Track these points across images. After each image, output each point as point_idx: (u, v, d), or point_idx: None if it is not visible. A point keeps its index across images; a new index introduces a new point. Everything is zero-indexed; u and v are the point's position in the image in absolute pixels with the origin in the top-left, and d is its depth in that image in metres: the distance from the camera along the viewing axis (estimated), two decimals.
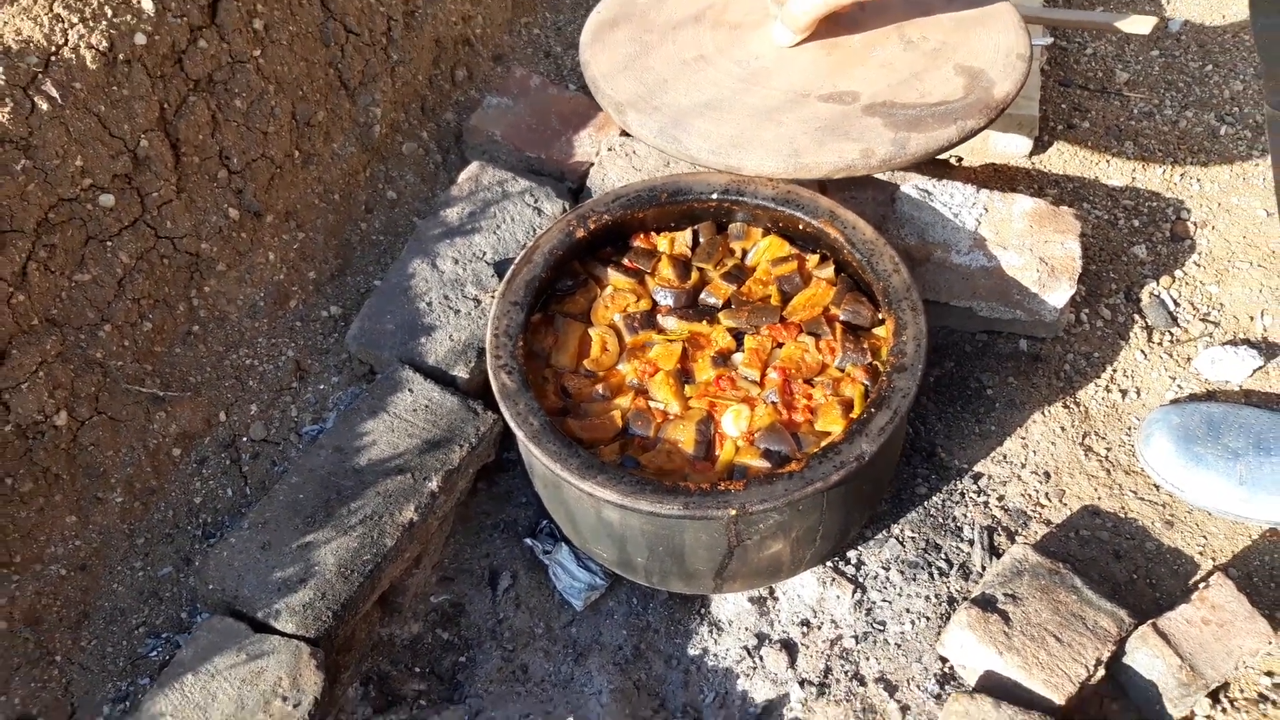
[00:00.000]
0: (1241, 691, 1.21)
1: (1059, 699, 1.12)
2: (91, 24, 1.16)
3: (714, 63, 1.39)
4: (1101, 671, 1.16)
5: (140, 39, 1.20)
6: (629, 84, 1.37)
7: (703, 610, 1.30)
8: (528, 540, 1.33)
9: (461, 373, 1.31)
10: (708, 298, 1.34)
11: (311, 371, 1.39)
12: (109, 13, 1.18)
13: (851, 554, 1.33)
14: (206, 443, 1.31)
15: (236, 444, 1.32)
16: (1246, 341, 1.52)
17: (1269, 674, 1.22)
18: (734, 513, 1.09)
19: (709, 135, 1.30)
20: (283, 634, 1.07)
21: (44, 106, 1.12)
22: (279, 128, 1.39)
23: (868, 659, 1.24)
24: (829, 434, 1.19)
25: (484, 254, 1.41)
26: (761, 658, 1.25)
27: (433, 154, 1.64)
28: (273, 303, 1.40)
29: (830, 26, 1.36)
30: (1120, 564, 1.31)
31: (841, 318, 1.30)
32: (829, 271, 1.36)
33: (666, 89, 1.36)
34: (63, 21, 1.15)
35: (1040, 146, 1.81)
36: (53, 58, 1.13)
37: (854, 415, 1.21)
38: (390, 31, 1.56)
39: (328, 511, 1.16)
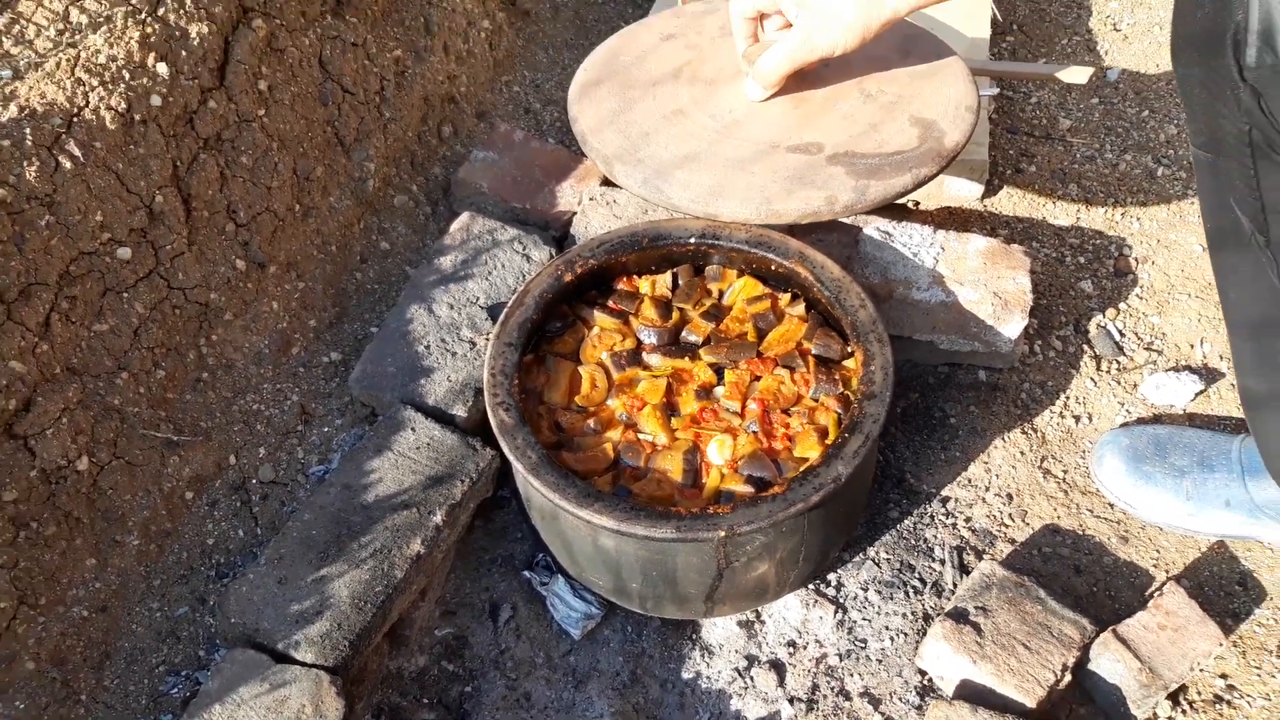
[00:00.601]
0: (1199, 694, 1.30)
1: (1030, 702, 1.20)
2: (111, 87, 1.23)
3: (691, 116, 1.49)
4: (1069, 677, 1.24)
5: (156, 100, 1.27)
6: (615, 138, 1.47)
7: (694, 635, 1.36)
8: (525, 573, 1.39)
9: (460, 411, 1.38)
10: (689, 335, 1.42)
11: (316, 415, 1.45)
12: (127, 76, 1.25)
13: (831, 576, 1.40)
14: (218, 485, 1.37)
15: (246, 486, 1.37)
16: (1188, 368, 1.63)
17: (1223, 676, 1.31)
18: (723, 534, 1.16)
19: (689, 185, 1.40)
20: (303, 664, 1.13)
21: (67, 165, 1.19)
22: (282, 183, 1.46)
23: (852, 675, 1.31)
24: (807, 459, 1.28)
25: (477, 299, 1.49)
26: (752, 678, 1.32)
27: (422, 206, 1.72)
28: (277, 350, 1.47)
29: (796, 82, 1.46)
30: (1081, 578, 1.41)
31: (814, 351, 1.39)
32: (800, 309, 1.45)
33: (649, 142, 1.46)
34: (84, 85, 1.22)
35: (991, 190, 1.94)
36: (75, 119, 1.20)
37: (829, 441, 1.29)
38: (383, 91, 1.64)
39: (339, 546, 1.22)
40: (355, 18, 1.63)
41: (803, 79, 1.47)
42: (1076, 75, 1.62)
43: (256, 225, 1.44)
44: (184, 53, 1.32)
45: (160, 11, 1.31)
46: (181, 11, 1.32)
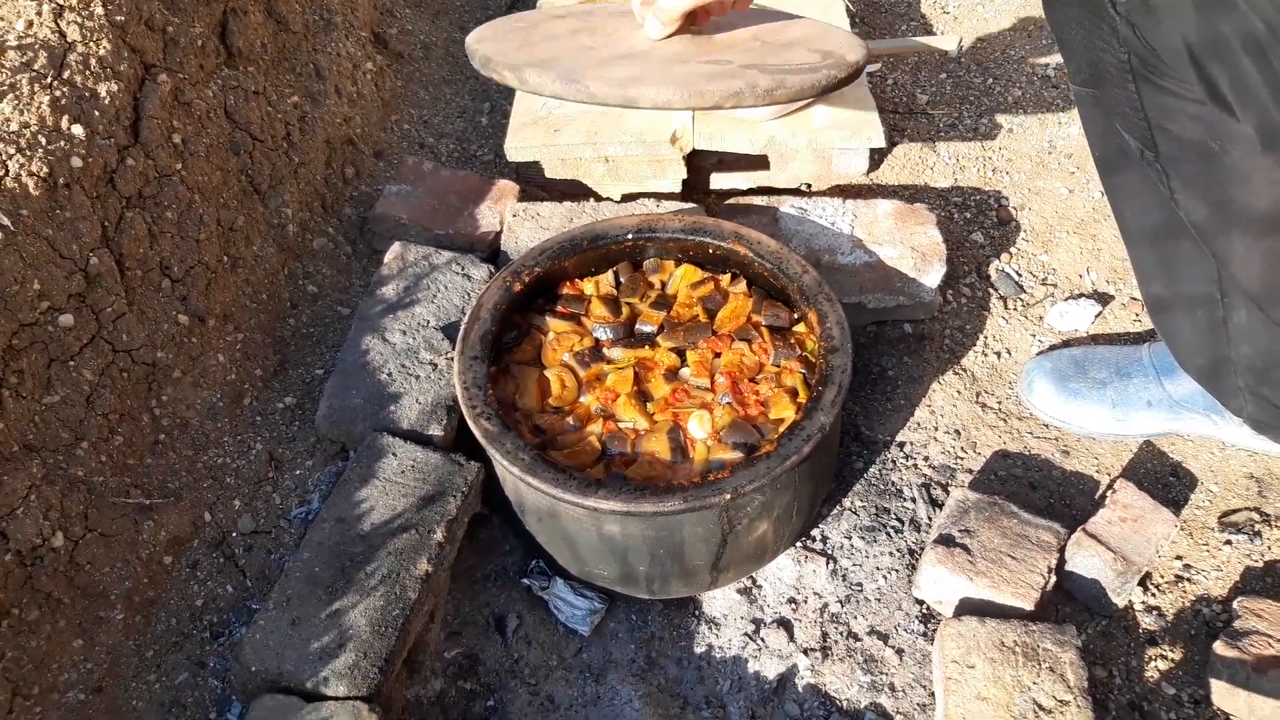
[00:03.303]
0: (1162, 577, 1.41)
1: (1029, 605, 1.28)
2: (29, 152, 1.18)
3: (597, 49, 1.40)
4: (1053, 578, 1.33)
5: (76, 162, 1.23)
6: (522, 55, 1.34)
7: (697, 612, 1.39)
8: (524, 580, 1.39)
9: (436, 431, 1.37)
10: (643, 326, 1.46)
11: (284, 460, 1.41)
12: (43, 140, 1.20)
13: (815, 532, 1.46)
14: (196, 545, 1.31)
15: (227, 540, 1.32)
16: (1082, 295, 1.78)
17: (1178, 558, 1.43)
18: (729, 496, 1.20)
19: (605, 78, 1.28)
20: (336, 698, 1.09)
21: None
22: (209, 235, 1.42)
23: (856, 618, 1.37)
24: (783, 420, 1.33)
25: (428, 322, 1.49)
26: (763, 639, 1.36)
27: (342, 247, 1.71)
28: (230, 402, 1.42)
29: (693, 34, 1.45)
30: (1037, 492, 1.51)
31: (764, 323, 1.46)
32: (742, 286, 1.51)
33: (558, 60, 1.36)
34: (1, 154, 1.17)
35: (873, 165, 2.06)
36: None
37: (800, 401, 1.35)
38: (289, 136, 1.62)
39: (346, 578, 1.19)
40: (251, 67, 1.61)
41: (698, 32, 1.45)
42: (947, 43, 1.76)
43: (191, 279, 1.39)
44: (96, 112, 1.28)
45: (66, 74, 1.27)
46: (87, 72, 1.29)
